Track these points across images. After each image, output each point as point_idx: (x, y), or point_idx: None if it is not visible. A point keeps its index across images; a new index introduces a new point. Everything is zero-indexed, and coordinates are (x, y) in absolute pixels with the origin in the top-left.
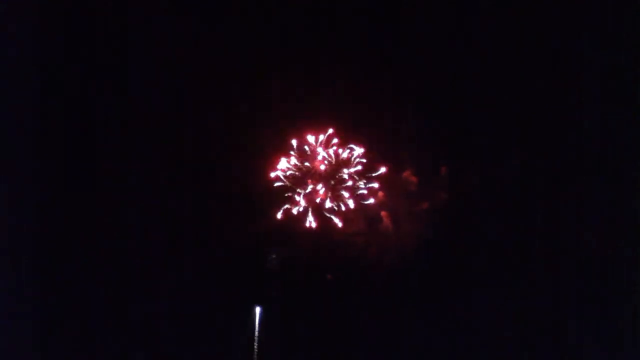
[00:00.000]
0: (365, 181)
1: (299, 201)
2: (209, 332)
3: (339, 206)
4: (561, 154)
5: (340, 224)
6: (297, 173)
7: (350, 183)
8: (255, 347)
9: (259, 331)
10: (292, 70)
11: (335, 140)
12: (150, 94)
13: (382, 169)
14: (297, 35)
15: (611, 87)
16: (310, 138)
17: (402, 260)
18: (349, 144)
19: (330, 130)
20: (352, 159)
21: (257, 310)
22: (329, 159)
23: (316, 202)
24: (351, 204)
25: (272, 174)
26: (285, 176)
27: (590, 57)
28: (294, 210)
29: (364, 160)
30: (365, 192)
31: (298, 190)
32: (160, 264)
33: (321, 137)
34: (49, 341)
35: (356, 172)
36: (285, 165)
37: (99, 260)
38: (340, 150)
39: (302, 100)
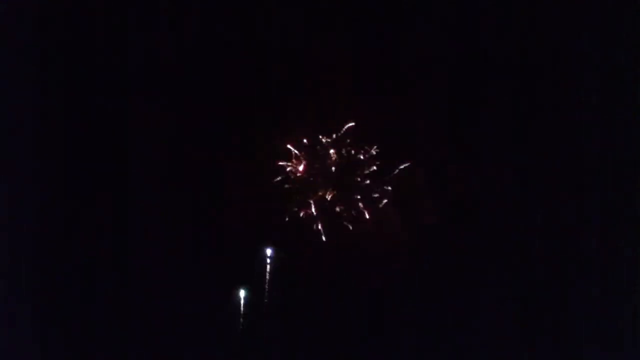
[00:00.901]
0: (376, 183)
1: (308, 204)
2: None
3: (349, 210)
4: (561, 154)
5: (350, 227)
6: (306, 175)
7: (364, 185)
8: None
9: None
10: (298, 69)
11: (347, 141)
12: (152, 93)
13: (405, 165)
14: (304, 33)
15: (611, 87)
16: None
17: (404, 259)
18: (361, 145)
19: (352, 123)
20: (365, 159)
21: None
22: (340, 161)
23: (325, 206)
24: (362, 207)
25: (280, 177)
26: (294, 178)
27: (590, 57)
28: (302, 213)
29: (377, 162)
30: (377, 195)
31: (307, 193)
32: (161, 264)
33: (332, 138)
34: (49, 341)
35: (369, 174)
36: (294, 167)
37: (99, 260)
38: (352, 152)
39: (312, 100)
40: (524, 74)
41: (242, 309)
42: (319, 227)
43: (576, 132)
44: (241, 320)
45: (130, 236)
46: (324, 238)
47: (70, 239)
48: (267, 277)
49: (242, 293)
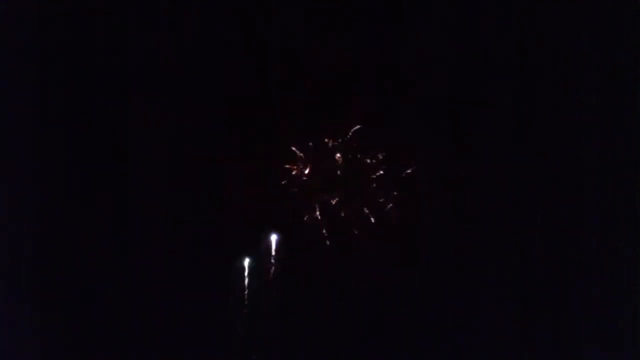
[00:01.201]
0: (382, 186)
1: (313, 207)
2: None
3: (354, 214)
4: (561, 154)
5: (355, 232)
6: (311, 178)
7: (370, 189)
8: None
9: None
10: (302, 70)
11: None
12: (152, 93)
13: (411, 169)
14: (304, 33)
15: (611, 87)
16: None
17: (404, 260)
18: (367, 149)
19: (358, 126)
20: (371, 163)
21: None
22: (345, 166)
23: (331, 210)
24: (367, 211)
25: (284, 180)
26: (299, 182)
27: (590, 57)
28: (305, 217)
29: (383, 166)
30: (382, 199)
31: (312, 197)
32: (161, 264)
33: (338, 141)
34: (49, 341)
35: (375, 179)
36: (298, 170)
37: (99, 260)
38: (358, 155)
39: (316, 102)
40: (524, 74)
41: (246, 279)
42: (323, 230)
43: (576, 132)
44: (246, 288)
45: (130, 236)
46: (327, 242)
47: (70, 239)
48: (273, 255)
49: (246, 262)
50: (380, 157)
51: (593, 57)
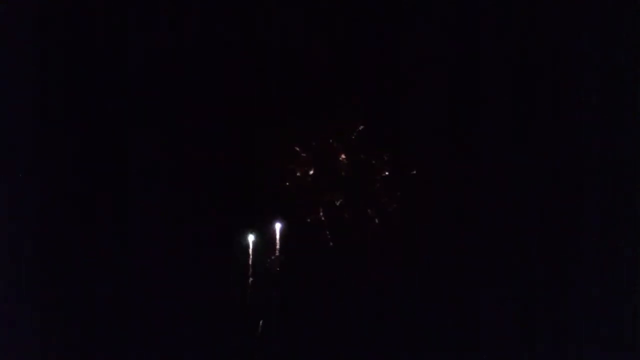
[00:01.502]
0: (386, 187)
1: (316, 208)
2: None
3: (358, 215)
4: (561, 154)
5: (359, 234)
6: (313, 180)
7: (374, 190)
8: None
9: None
10: (304, 70)
11: (356, 144)
12: (152, 93)
13: (414, 171)
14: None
15: (611, 87)
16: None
17: (404, 259)
18: (372, 149)
19: (361, 127)
20: (376, 164)
21: None
22: (350, 167)
23: (334, 211)
24: (370, 212)
25: (288, 181)
26: (301, 182)
27: (590, 57)
28: (309, 219)
29: (388, 167)
30: (386, 200)
31: (315, 197)
32: (162, 264)
33: (342, 142)
34: (48, 341)
35: (380, 179)
36: (302, 171)
37: (99, 260)
38: (362, 156)
39: (324, 100)
40: (524, 74)
41: (249, 278)
42: (327, 232)
43: (576, 132)
44: (248, 288)
45: (130, 236)
46: (331, 243)
47: (70, 239)
48: (275, 256)
49: (250, 238)
50: (385, 158)
51: (593, 57)
